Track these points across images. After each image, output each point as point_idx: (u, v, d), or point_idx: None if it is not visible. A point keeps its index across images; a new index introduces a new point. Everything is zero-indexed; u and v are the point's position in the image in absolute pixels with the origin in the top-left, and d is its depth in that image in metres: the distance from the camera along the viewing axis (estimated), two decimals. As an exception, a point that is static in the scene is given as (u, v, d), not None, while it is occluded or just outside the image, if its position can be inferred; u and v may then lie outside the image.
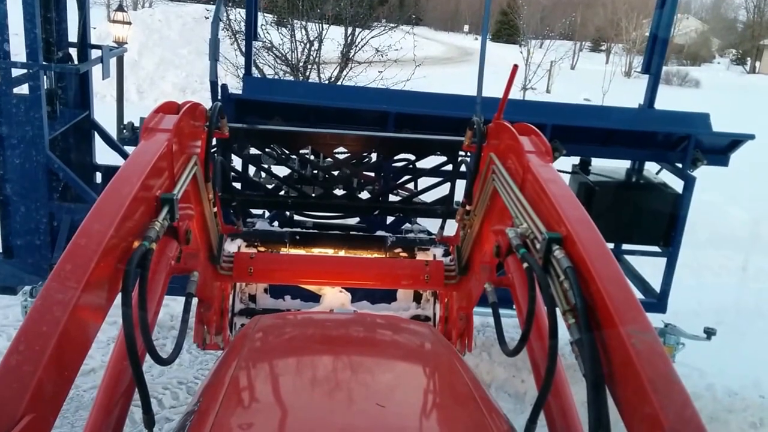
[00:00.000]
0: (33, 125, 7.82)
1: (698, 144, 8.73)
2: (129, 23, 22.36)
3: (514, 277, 3.88)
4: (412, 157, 7.52)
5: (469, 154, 5.90)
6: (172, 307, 10.03)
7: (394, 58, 24.99)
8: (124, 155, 10.37)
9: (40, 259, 8.25)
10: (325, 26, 24.36)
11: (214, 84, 8.17)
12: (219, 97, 8.15)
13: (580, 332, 2.59)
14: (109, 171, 10.00)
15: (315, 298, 6.43)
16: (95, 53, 10.19)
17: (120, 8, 22.91)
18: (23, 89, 7.88)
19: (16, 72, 7.89)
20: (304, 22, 24.38)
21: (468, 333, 5.75)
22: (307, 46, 23.91)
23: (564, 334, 2.71)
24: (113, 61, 18.65)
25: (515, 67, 5.03)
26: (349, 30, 25.44)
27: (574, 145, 8.65)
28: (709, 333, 8.42)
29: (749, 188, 19.40)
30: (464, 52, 63.10)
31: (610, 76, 47.47)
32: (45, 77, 8.28)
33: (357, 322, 4.83)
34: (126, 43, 21.34)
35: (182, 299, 4.06)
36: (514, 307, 3.95)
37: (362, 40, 25.31)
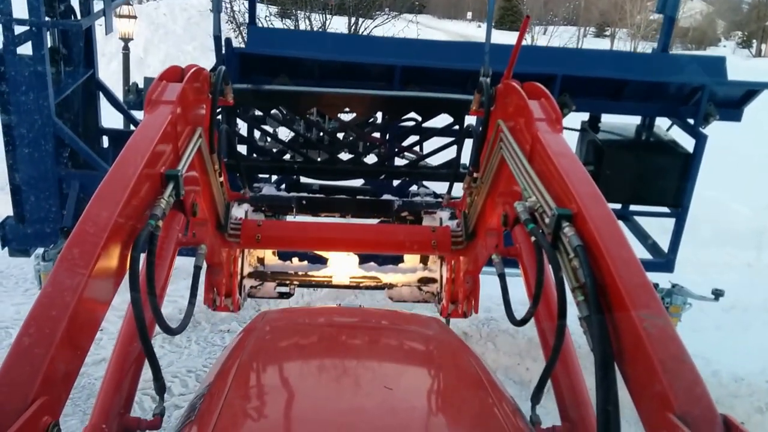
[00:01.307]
0: (38, 90, 7.80)
1: (711, 96, 8.59)
2: (135, 17, 22.32)
3: (522, 248, 3.92)
4: (419, 119, 7.45)
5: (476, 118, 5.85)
6: (180, 303, 9.89)
7: (397, 37, 25.08)
8: (130, 118, 10.51)
9: (51, 224, 8.30)
10: (329, 16, 24.38)
11: (217, 39, 8.12)
12: (223, 53, 8.11)
13: (588, 309, 2.57)
14: (116, 136, 10.07)
15: (323, 260, 6.45)
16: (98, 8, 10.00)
17: (125, 1, 22.91)
18: (27, 50, 7.84)
19: (18, 31, 7.83)
20: (307, 13, 24.43)
21: (474, 295, 5.73)
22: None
23: (571, 315, 2.73)
24: (120, 60, 18.66)
25: (527, 18, 4.97)
26: (353, 20, 25.48)
27: (584, 99, 8.54)
28: (717, 294, 8.33)
29: (754, 184, 19.25)
30: (467, 40, 63.03)
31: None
32: (48, 35, 8.26)
33: (363, 316, 4.90)
34: (132, 39, 21.34)
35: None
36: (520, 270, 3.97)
37: (366, 29, 25.35)
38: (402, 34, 25.57)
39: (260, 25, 23.46)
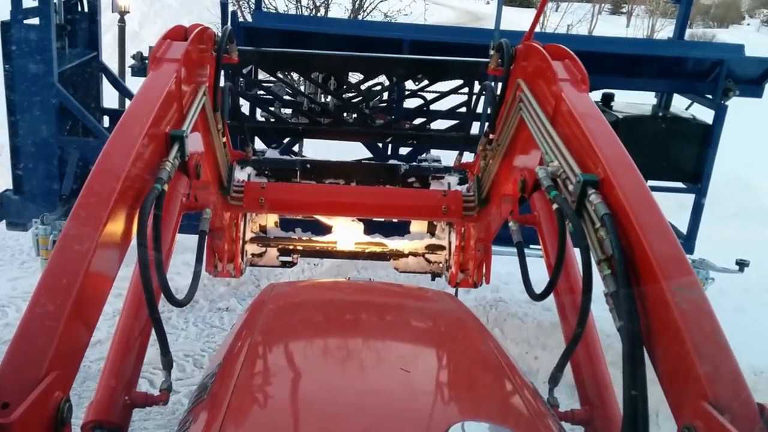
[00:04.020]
0: (42, 55, 7.92)
1: (730, 74, 8.56)
2: (134, -10, 22.29)
3: (541, 216, 3.87)
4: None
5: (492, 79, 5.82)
6: (177, 281, 9.94)
7: (404, 22, 24.85)
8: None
9: (50, 191, 8.36)
10: (333, -8, 24.26)
11: (224, 6, 8.15)
12: (229, 23, 8.08)
13: (616, 284, 2.50)
14: (117, 114, 10.08)
15: (327, 230, 6.48)
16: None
17: (131, -17, 22.85)
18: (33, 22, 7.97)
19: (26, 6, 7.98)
20: (310, -13, 24.32)
21: (486, 264, 5.73)
22: (313, 12, 23.82)
23: (596, 286, 2.70)
24: (114, 33, 18.70)
25: None
26: (358, -5, 25.34)
27: (598, 77, 8.33)
28: (742, 264, 8.21)
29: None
30: (475, 17, 62.51)
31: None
32: (54, 13, 8.33)
33: (374, 290, 4.87)
34: (128, 12, 21.31)
35: (189, 276, 4.01)
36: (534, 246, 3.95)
37: (371, 4, 25.20)
38: (408, 10, 25.49)
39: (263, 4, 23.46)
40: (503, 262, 5.81)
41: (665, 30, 60.73)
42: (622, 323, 2.40)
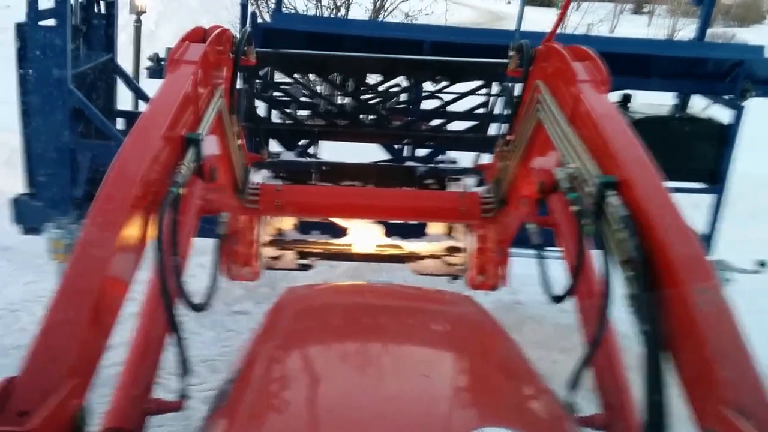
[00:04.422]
0: (57, 58, 7.90)
1: (749, 75, 8.53)
2: (152, -10, 22.32)
3: (560, 218, 3.86)
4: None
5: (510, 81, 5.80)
6: (190, 284, 9.94)
7: (424, 23, 24.81)
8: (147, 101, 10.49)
9: (62, 194, 8.35)
10: (353, -9, 24.25)
11: (244, 7, 8.19)
12: (248, 24, 8.12)
13: (637, 287, 2.50)
14: (132, 118, 10.06)
15: (344, 232, 6.44)
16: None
17: (150, -18, 22.87)
18: (49, 24, 7.98)
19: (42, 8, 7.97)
20: (330, -13, 24.33)
21: (505, 266, 5.77)
22: (334, 11, 23.83)
23: (615, 288, 2.69)
24: (129, 32, 18.75)
25: None
26: (378, -5, 25.34)
27: (616, 77, 8.31)
28: (763, 263, 8.21)
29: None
30: (496, 17, 62.47)
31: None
32: (70, 14, 8.36)
33: (394, 294, 4.83)
34: (145, 12, 21.35)
35: (203, 279, 4.03)
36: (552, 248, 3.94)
37: (392, 4, 25.20)
38: (429, 10, 25.49)
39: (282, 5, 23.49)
40: (521, 264, 5.80)
41: (686, 30, 60.49)
42: (644, 326, 2.40)
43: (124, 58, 16.10)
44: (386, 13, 25.21)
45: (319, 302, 4.51)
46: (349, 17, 23.69)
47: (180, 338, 3.06)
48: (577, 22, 45.70)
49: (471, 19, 57.43)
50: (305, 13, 23.25)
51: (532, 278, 4.16)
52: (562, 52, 4.17)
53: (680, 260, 2.40)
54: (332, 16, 23.46)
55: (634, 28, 59.32)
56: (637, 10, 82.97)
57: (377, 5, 25.24)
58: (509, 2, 78.88)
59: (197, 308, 3.32)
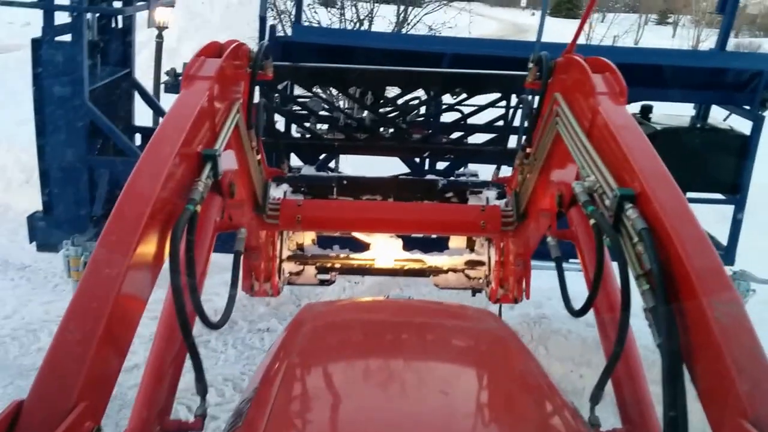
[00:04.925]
0: (73, 73, 7.92)
1: None
2: (172, 5, 22.34)
3: (579, 231, 3.80)
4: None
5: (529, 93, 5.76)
6: (215, 302, 9.81)
7: (446, 35, 24.81)
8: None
9: (80, 212, 8.36)
10: (376, 5, 24.29)
11: (263, 20, 8.14)
12: (267, 37, 8.07)
13: (655, 300, 2.48)
14: (150, 134, 9.92)
15: (365, 247, 6.40)
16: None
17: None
18: (65, 40, 8.00)
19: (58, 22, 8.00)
20: (353, 1, 24.40)
21: (526, 279, 5.67)
22: (357, 25, 23.90)
23: (636, 300, 2.65)
24: (151, 48, 18.82)
25: None
26: (401, 7, 25.38)
27: (635, 88, 8.26)
28: None
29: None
30: (519, 30, 62.36)
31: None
32: (87, 29, 8.40)
33: (413, 310, 4.80)
34: (167, 27, 21.42)
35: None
36: (573, 260, 3.91)
37: (415, 17, 25.24)
38: (453, 23, 25.51)
39: (303, 14, 23.53)
40: (546, 278, 5.77)
41: (710, 40, 60.18)
42: (662, 340, 2.40)
43: (145, 74, 16.17)
44: (410, 26, 25.26)
45: (336, 319, 4.51)
46: (372, 30, 23.75)
47: (197, 358, 3.03)
48: (602, 34, 45.74)
49: (494, 32, 57.45)
50: (329, 26, 23.35)
51: (557, 292, 4.12)
52: (582, 63, 4.12)
53: (698, 273, 2.37)
54: (355, 29, 23.53)
55: (658, 39, 59.19)
56: (661, 21, 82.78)
57: (400, 18, 25.28)
58: (533, 14, 78.78)
59: (214, 326, 3.25)
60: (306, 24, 22.82)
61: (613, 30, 48.93)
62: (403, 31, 25.01)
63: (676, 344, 2.35)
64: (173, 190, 2.91)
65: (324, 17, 24.09)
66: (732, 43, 62.68)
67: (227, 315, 3.50)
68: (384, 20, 24.96)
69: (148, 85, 11.51)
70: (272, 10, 23.77)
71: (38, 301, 10.55)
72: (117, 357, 2.40)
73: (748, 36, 71.28)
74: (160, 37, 20.79)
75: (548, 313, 10.24)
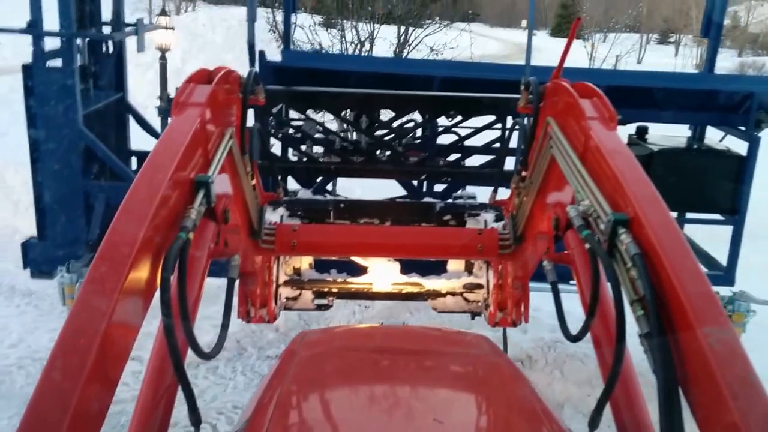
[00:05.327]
0: (66, 98, 7.93)
1: (762, 106, 8.56)
2: (172, 28, 22.48)
3: (575, 254, 3.76)
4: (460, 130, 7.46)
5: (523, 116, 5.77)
6: (234, 330, 9.98)
7: (450, 56, 24.86)
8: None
9: (75, 238, 8.34)
10: (376, 26, 24.35)
11: (251, 46, 8.17)
12: (257, 61, 8.15)
13: (649, 326, 2.50)
14: (144, 157, 9.86)
15: (362, 271, 6.36)
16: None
17: (163, 12, 23.01)
18: (56, 65, 8.03)
19: (49, 47, 8.02)
20: (354, 22, 24.46)
21: (524, 302, 5.64)
22: (358, 47, 23.98)
23: (631, 326, 2.66)
24: (156, 69, 18.88)
25: (578, 20, 4.94)
26: (402, 29, 25.46)
27: (630, 110, 8.24)
28: None
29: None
30: (521, 49, 61.95)
31: (680, 69, 46.75)
32: (78, 54, 8.44)
33: (407, 337, 4.81)
34: (169, 50, 21.53)
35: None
36: (573, 282, 3.90)
37: (416, 39, 25.32)
38: (454, 43, 25.58)
39: (305, 34, 23.62)
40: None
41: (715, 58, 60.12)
42: (657, 366, 2.42)
43: (153, 94, 16.17)
44: (411, 48, 25.35)
45: (330, 347, 4.50)
46: (373, 52, 23.82)
47: (188, 388, 2.91)
48: (604, 54, 45.86)
49: (497, 52, 57.44)
50: (330, 48, 23.42)
51: (571, 315, 4.09)
52: (569, 89, 4.15)
53: (691, 300, 2.39)
54: (357, 51, 23.60)
55: (660, 58, 59.27)
56: (663, 41, 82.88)
57: (401, 40, 25.37)
58: (535, 34, 79.06)
59: (207, 357, 3.14)
60: (307, 45, 22.93)
61: (615, 50, 49.07)
62: (405, 51, 25.09)
63: (672, 371, 2.37)
64: (166, 217, 2.89)
65: (325, 39, 24.15)
66: (736, 62, 62.97)
67: (220, 345, 3.40)
68: (385, 42, 25.04)
69: (154, 106, 11.50)
70: (274, 32, 23.87)
71: (45, 329, 10.48)
72: (107, 390, 2.34)
73: (752, 55, 71.41)
74: (163, 58, 20.88)
75: (563, 337, 10.04)
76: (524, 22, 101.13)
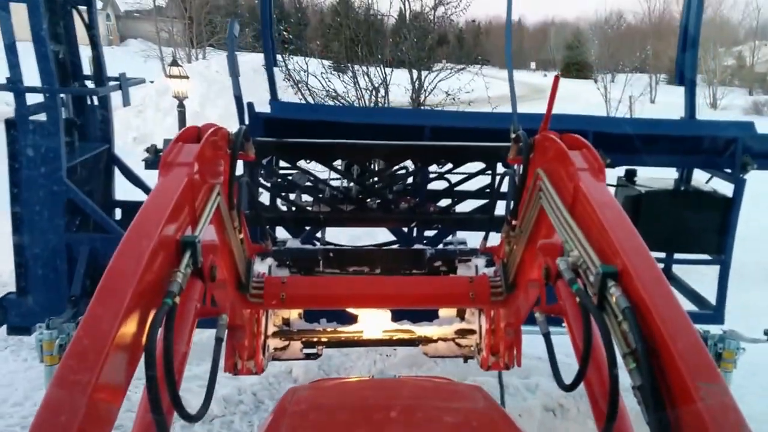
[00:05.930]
0: (50, 152, 7.91)
1: (747, 149, 8.71)
2: (186, 77, 22.58)
3: (567, 305, 3.76)
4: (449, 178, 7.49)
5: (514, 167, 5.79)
6: (242, 380, 9.79)
7: (466, 100, 24.89)
8: (148, 192, 10.41)
9: (57, 293, 8.18)
10: (388, 70, 24.33)
11: (238, 99, 8.24)
12: (245, 113, 8.21)
13: (642, 378, 2.54)
14: (130, 208, 10.02)
15: (353, 319, 6.33)
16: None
17: (174, 63, 23.11)
18: (41, 118, 8.02)
19: (32, 103, 8.01)
20: (365, 68, 24.46)
21: (517, 346, 5.64)
22: (373, 93, 23.96)
23: (624, 379, 2.68)
24: (175, 115, 18.90)
25: (557, 77, 5.00)
26: (415, 74, 25.47)
27: (618, 155, 8.52)
28: None
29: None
30: (534, 89, 61.89)
31: (696, 109, 46.53)
32: (63, 108, 8.42)
33: (399, 389, 4.80)
34: (186, 97, 21.64)
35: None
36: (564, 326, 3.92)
37: (430, 83, 25.32)
38: (470, 87, 25.56)
39: (318, 81, 23.68)
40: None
41: (727, 98, 60.35)
42: (650, 419, 2.45)
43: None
44: (426, 93, 25.34)
45: (321, 402, 4.51)
46: (389, 99, 23.82)
47: None
48: (617, 95, 45.94)
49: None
50: (344, 95, 23.47)
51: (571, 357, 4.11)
52: (558, 142, 4.21)
53: (681, 353, 2.42)
54: (372, 97, 23.60)
55: (673, 98, 59.08)
56: (672, 80, 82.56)
57: (416, 86, 25.34)
58: (545, 75, 79.04)
59: (192, 419, 3.07)
60: (322, 92, 23.03)
61: (627, 91, 49.05)
62: (421, 96, 25.10)
63: (665, 424, 2.40)
64: (152, 279, 2.88)
65: (338, 85, 24.18)
66: (750, 101, 62.42)
67: (206, 405, 3.35)
68: (400, 87, 25.01)
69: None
70: (288, 80, 23.96)
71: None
72: None
73: (762, 93, 71.09)
74: (181, 106, 20.96)
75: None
76: (533, 64, 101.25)
